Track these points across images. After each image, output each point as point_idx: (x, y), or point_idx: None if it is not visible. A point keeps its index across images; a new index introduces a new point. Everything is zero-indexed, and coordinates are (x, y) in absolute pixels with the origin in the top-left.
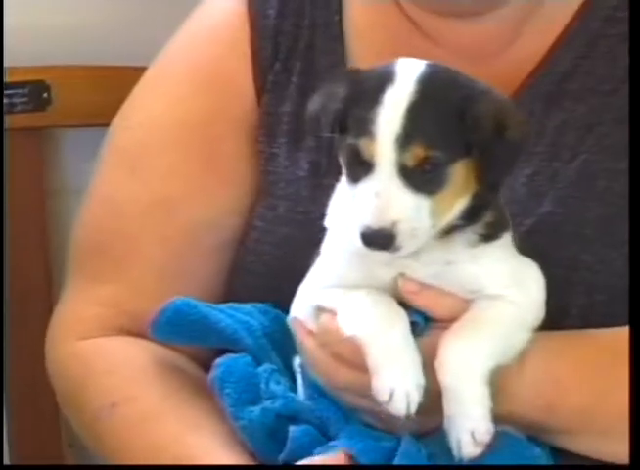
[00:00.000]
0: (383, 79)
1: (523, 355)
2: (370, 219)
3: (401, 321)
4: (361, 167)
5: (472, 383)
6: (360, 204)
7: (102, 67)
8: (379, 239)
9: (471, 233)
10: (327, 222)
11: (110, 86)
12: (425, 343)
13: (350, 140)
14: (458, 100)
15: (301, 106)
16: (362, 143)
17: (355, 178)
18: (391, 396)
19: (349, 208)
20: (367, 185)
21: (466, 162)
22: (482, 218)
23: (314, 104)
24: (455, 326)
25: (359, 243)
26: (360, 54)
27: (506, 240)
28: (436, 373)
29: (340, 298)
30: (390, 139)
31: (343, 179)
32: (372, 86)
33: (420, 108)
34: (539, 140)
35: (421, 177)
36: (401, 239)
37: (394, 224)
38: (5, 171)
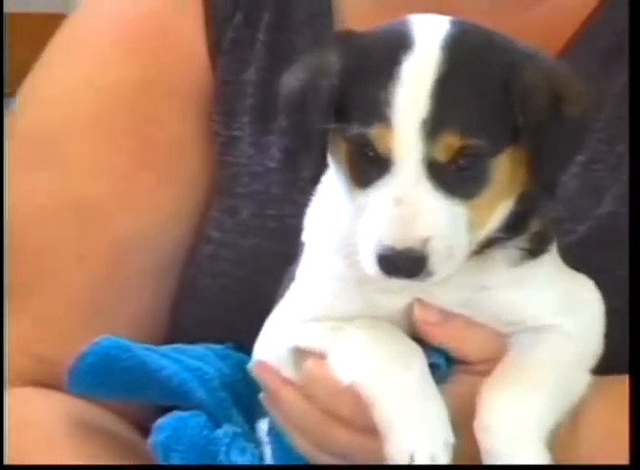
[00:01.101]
0: (395, 45)
1: (576, 408)
2: (391, 237)
3: (418, 362)
4: (373, 166)
5: (528, 448)
6: (374, 216)
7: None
8: (405, 264)
9: (512, 248)
10: (305, 237)
11: (17, 39)
12: (450, 392)
13: (356, 129)
14: (499, 69)
15: (271, 72)
16: (375, 133)
17: (364, 181)
18: (412, 460)
19: (344, 219)
20: (383, 190)
21: (512, 151)
22: (528, 228)
23: (294, 79)
24: (497, 373)
25: (375, 269)
26: (351, 3)
27: (554, 253)
28: (477, 436)
29: (329, 334)
30: (415, 126)
31: (330, 179)
32: (381, 55)
33: (450, 82)
34: (597, 114)
35: (456, 176)
36: (434, 262)
37: (425, 242)
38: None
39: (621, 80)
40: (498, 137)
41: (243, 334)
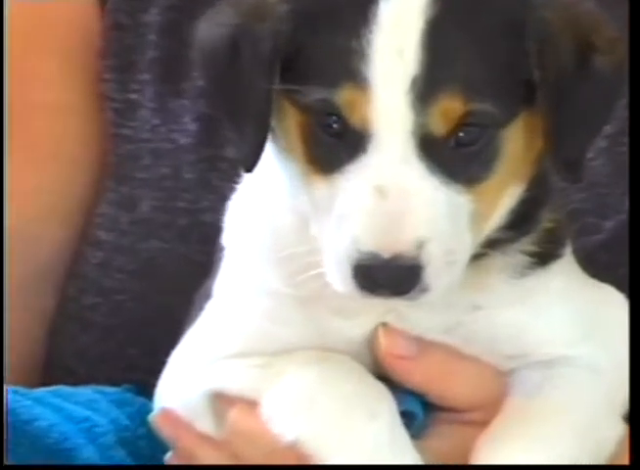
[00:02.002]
0: None
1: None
2: (374, 241)
3: (386, 410)
4: (340, 144)
5: None
6: (347, 213)
7: None
8: (393, 277)
9: (516, 252)
10: (226, 240)
11: None
12: (430, 449)
13: (314, 93)
14: (509, 6)
15: (182, 12)
16: (343, 97)
17: (327, 164)
18: None
19: (284, 217)
20: (358, 176)
21: (526, 118)
22: (538, 225)
23: (219, 25)
24: (496, 425)
25: (349, 286)
26: None
27: (568, 259)
28: None
29: (261, 374)
30: (401, 86)
31: (264, 161)
32: None
33: (447, 25)
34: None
35: (457, 154)
36: (432, 272)
37: (420, 246)
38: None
39: None
40: (509, 100)
41: (144, 371)
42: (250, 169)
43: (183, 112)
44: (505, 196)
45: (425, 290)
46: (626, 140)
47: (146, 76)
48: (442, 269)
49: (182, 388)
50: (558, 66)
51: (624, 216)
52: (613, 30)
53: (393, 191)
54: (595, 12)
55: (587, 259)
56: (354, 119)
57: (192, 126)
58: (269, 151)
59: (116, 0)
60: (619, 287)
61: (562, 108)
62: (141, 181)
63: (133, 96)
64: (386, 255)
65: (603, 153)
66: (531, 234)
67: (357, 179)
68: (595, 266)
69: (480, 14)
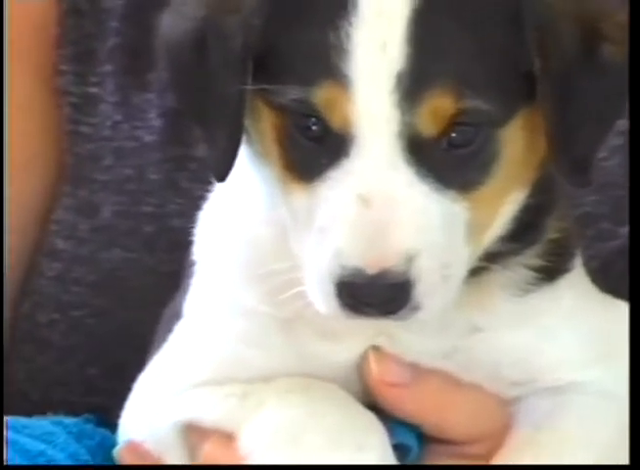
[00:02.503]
0: None
1: None
2: (359, 255)
3: (377, 442)
4: (320, 148)
5: None
6: (328, 224)
7: None
8: (380, 295)
9: (519, 266)
10: (198, 254)
11: None
12: None
13: (290, 92)
14: None
15: None
16: (321, 96)
17: (306, 171)
18: None
19: (262, 229)
20: (340, 184)
21: (527, 116)
22: (543, 234)
23: (184, 17)
24: (501, 459)
25: (333, 306)
26: None
27: (578, 272)
28: None
29: (238, 404)
30: (385, 83)
31: (239, 166)
32: None
33: (435, 14)
34: None
35: (450, 157)
36: (424, 289)
37: (410, 261)
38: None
39: None
40: (507, 96)
41: (106, 394)
42: (222, 178)
43: (148, 106)
44: (506, 203)
45: (416, 308)
46: None
47: (107, 68)
48: (436, 286)
49: (149, 418)
50: (560, 56)
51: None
52: (625, 16)
53: (379, 199)
54: None
55: (602, 268)
56: (334, 121)
57: (157, 122)
58: (244, 156)
59: None
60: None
61: (566, 103)
62: (102, 184)
63: (92, 89)
64: (371, 270)
65: (618, 151)
66: (536, 246)
67: (339, 187)
68: (611, 276)
69: (473, 1)
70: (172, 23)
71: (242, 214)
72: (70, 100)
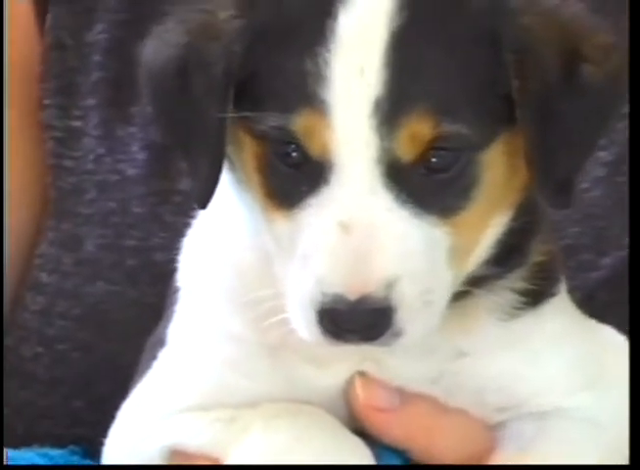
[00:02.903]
0: None
1: None
2: (340, 282)
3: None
4: (301, 175)
5: None
6: (309, 251)
7: None
8: (361, 320)
9: (504, 290)
10: (182, 280)
11: None
12: None
13: (270, 120)
14: (482, 13)
15: (130, 29)
16: (301, 123)
17: (287, 198)
18: None
19: (246, 255)
20: (320, 211)
21: (508, 140)
22: (528, 258)
23: (166, 44)
24: None
25: (315, 332)
26: None
27: (563, 296)
28: None
29: (224, 430)
30: (363, 110)
31: (222, 194)
32: (302, 4)
33: (413, 39)
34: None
35: (430, 182)
36: (405, 315)
37: (391, 286)
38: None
39: None
40: (487, 119)
41: (90, 426)
42: (203, 206)
43: (131, 140)
44: (489, 227)
45: (398, 334)
46: (627, 168)
47: (90, 101)
48: (418, 311)
49: (135, 443)
50: (540, 78)
51: (625, 253)
52: (606, 37)
53: (359, 226)
54: (585, 16)
55: (586, 299)
56: (313, 148)
57: (141, 156)
58: (227, 183)
59: (57, 17)
60: (622, 328)
61: (546, 125)
62: (85, 217)
63: (76, 123)
64: (352, 296)
65: (601, 182)
66: (521, 269)
67: (320, 214)
68: (594, 306)
69: (451, 23)
70: (155, 51)
71: (226, 240)
72: (54, 134)
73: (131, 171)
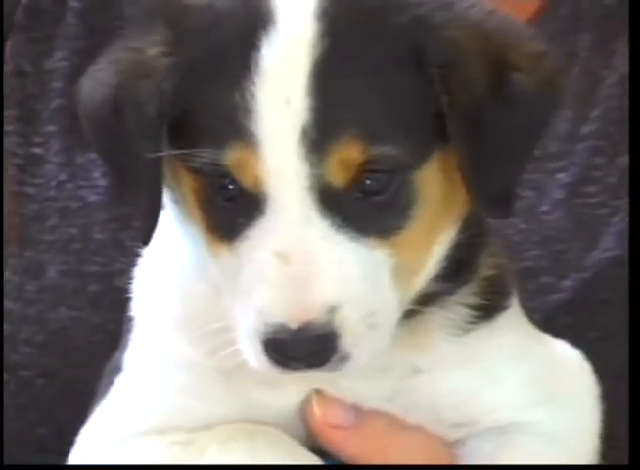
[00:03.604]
0: (247, 20)
1: None
2: (280, 312)
3: None
4: (236, 208)
5: None
6: (250, 283)
7: None
8: (305, 348)
9: (455, 305)
10: (135, 310)
11: None
12: None
13: (203, 155)
14: (405, 32)
15: (90, 56)
16: (232, 157)
17: (226, 231)
18: None
19: (194, 282)
20: (257, 242)
21: (443, 156)
22: (477, 271)
23: (100, 84)
24: None
25: (262, 362)
26: None
27: (515, 310)
28: None
29: (180, 453)
30: (291, 139)
31: (168, 232)
32: (229, 37)
33: (336, 64)
34: (586, 109)
35: (364, 205)
36: (350, 339)
37: (332, 312)
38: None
39: (623, 68)
40: (418, 138)
41: (56, 453)
42: (145, 241)
43: (92, 166)
44: (434, 243)
45: (345, 359)
46: (587, 190)
47: (50, 128)
48: (363, 334)
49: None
50: (467, 91)
51: (585, 275)
52: (536, 45)
53: (296, 255)
54: (513, 26)
55: (546, 322)
56: (247, 181)
57: (102, 182)
58: (173, 216)
59: (17, 44)
60: (585, 351)
61: (477, 138)
62: (47, 244)
63: (37, 150)
64: (293, 325)
65: (560, 204)
66: (471, 284)
67: (257, 246)
68: (554, 329)
69: (373, 45)
70: (90, 90)
71: (176, 271)
72: (16, 161)
73: (92, 198)
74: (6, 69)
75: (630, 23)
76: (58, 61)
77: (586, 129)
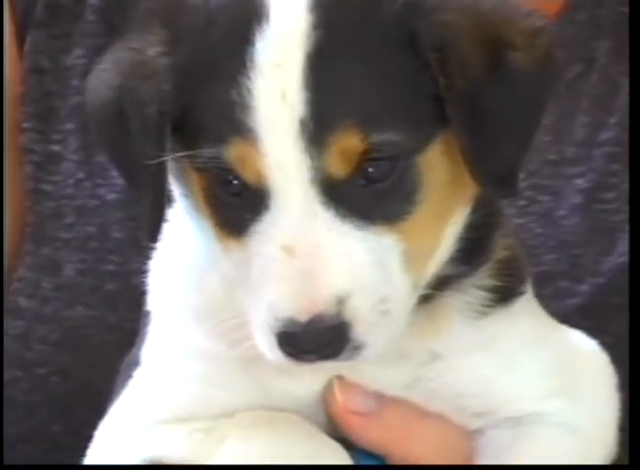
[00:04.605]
0: (241, 16)
1: None
2: (290, 306)
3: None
4: (242, 202)
5: None
6: (259, 277)
7: None
8: (317, 341)
9: (472, 288)
10: (152, 304)
11: None
12: None
13: (206, 152)
14: (396, 16)
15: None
16: (232, 153)
17: (233, 225)
18: None
19: (208, 274)
20: (263, 236)
21: (446, 139)
22: (492, 253)
23: (103, 85)
24: None
25: (276, 354)
26: None
27: (530, 297)
28: None
29: (201, 441)
30: (290, 132)
31: (181, 226)
32: (224, 34)
33: (331, 54)
34: (602, 116)
35: (368, 193)
36: (362, 328)
37: (342, 302)
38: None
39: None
40: (418, 123)
41: (69, 451)
42: (152, 239)
43: (110, 164)
44: (445, 226)
45: (359, 347)
46: (605, 196)
47: (69, 126)
48: (375, 322)
49: (115, 458)
50: (463, 72)
51: (601, 280)
52: (531, 21)
53: (302, 248)
54: (508, 5)
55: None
56: (249, 176)
57: (119, 180)
58: (185, 212)
59: (35, 40)
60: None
61: (477, 119)
62: (64, 242)
63: (55, 147)
64: (303, 318)
65: (577, 210)
66: (487, 266)
67: (264, 240)
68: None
69: (366, 33)
70: (94, 91)
71: (191, 264)
72: (33, 158)
73: (110, 196)
74: (24, 65)
75: (630, 23)
76: (76, 58)
77: (604, 136)
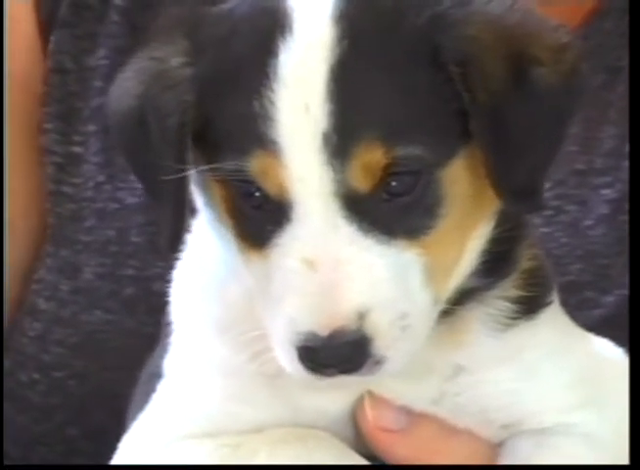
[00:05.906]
0: (265, 27)
1: None
2: (310, 320)
3: None
4: (264, 215)
5: None
6: (280, 290)
7: None
8: (337, 355)
9: (496, 300)
10: (175, 315)
11: None
12: None
13: (228, 164)
14: (420, 30)
15: (130, 56)
16: (255, 165)
17: (255, 237)
18: None
19: (232, 286)
20: (285, 249)
21: (469, 153)
22: (516, 265)
23: (126, 94)
24: None
25: (297, 369)
26: None
27: (556, 307)
28: None
29: (229, 457)
30: (312, 145)
31: (204, 237)
32: (247, 45)
33: (355, 67)
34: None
35: (390, 207)
36: (383, 343)
37: (362, 317)
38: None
39: None
40: (442, 137)
41: (86, 455)
42: (172, 250)
43: None
44: (467, 241)
45: (380, 362)
46: None
47: (90, 127)
48: (396, 337)
49: None
50: (487, 87)
51: (627, 291)
52: (557, 37)
53: (324, 262)
54: (534, 19)
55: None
56: (271, 188)
57: (140, 185)
58: (207, 223)
59: (59, 40)
60: None
61: (501, 133)
62: (84, 245)
63: (76, 149)
64: (324, 332)
65: (604, 220)
66: (512, 277)
67: (285, 253)
68: None
69: (391, 46)
70: (117, 99)
71: (214, 275)
72: (54, 159)
73: (130, 200)
74: (47, 64)
75: (631, 23)
76: (99, 59)
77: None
